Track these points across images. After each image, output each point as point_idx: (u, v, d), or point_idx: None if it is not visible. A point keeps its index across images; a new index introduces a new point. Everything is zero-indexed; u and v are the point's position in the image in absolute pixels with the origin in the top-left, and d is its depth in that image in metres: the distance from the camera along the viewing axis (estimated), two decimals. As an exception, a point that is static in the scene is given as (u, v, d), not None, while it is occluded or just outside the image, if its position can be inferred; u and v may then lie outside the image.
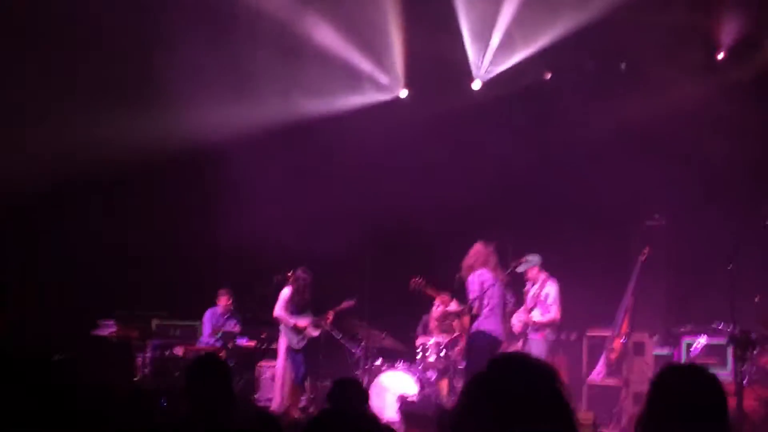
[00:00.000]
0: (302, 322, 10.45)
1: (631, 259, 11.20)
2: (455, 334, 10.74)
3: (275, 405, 10.33)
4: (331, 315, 10.76)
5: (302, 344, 10.48)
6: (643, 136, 11.65)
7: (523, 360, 2.29)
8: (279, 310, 10.46)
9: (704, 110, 11.13)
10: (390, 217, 12.31)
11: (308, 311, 10.57)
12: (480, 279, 9.12)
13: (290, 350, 10.43)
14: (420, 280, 10.11)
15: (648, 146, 11.56)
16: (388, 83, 12.96)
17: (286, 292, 10.54)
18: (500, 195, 12.25)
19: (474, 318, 9.08)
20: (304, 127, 12.20)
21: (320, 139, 12.29)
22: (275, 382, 10.61)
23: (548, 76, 12.62)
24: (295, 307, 10.49)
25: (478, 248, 9.32)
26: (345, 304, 10.82)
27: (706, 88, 11.43)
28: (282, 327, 10.52)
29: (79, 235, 11.68)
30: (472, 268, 9.18)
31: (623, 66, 12.17)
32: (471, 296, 9.06)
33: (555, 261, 10.35)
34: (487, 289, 9.02)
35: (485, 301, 9.04)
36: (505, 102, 12.49)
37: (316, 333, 10.63)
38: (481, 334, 9.05)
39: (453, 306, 9.37)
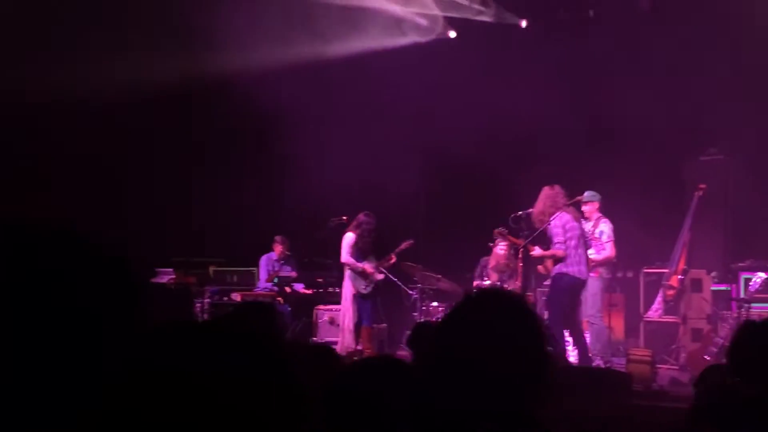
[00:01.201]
0: (368, 266, 10.49)
1: (687, 195, 11.07)
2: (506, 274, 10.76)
3: (340, 348, 10.39)
4: (393, 257, 10.70)
5: (369, 289, 10.46)
6: (697, 66, 11.41)
7: (498, 296, 2.26)
8: (345, 255, 10.40)
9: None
10: (443, 156, 12.25)
11: (370, 255, 10.57)
12: (561, 222, 9.14)
13: (357, 295, 10.45)
14: (503, 230, 9.87)
15: (704, 77, 11.32)
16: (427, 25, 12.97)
17: (350, 236, 10.43)
18: (553, 131, 12.08)
19: (558, 260, 9.16)
20: (356, 68, 12.12)
21: (372, 79, 12.19)
22: (342, 326, 10.58)
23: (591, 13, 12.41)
24: (359, 251, 10.42)
25: (546, 193, 9.28)
26: (404, 245, 10.71)
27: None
28: (348, 272, 10.46)
29: (137, 185, 11.83)
30: (544, 215, 9.18)
31: None
32: (555, 240, 9.11)
33: (611, 197, 10.26)
34: (570, 230, 9.10)
35: (570, 243, 9.12)
36: (553, 35, 12.30)
37: (381, 276, 10.60)
38: (564, 276, 9.12)
39: (537, 251, 9.35)
